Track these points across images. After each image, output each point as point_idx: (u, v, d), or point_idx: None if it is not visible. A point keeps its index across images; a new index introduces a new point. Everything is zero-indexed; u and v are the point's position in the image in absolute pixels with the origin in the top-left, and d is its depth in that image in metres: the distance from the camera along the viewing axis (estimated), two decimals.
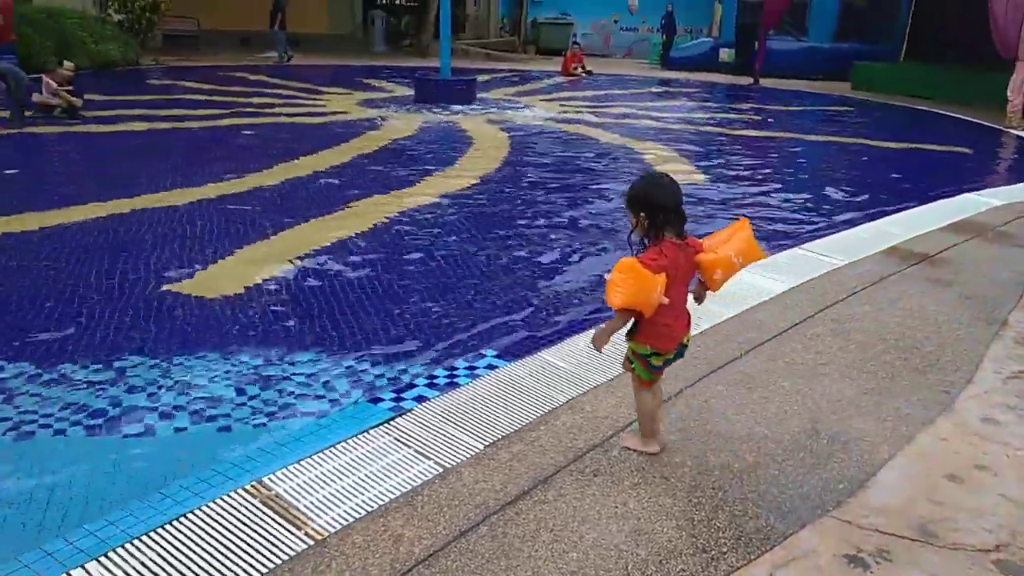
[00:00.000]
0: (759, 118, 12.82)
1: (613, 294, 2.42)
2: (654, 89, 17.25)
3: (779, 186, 7.65)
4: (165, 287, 4.29)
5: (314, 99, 12.72)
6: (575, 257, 5.18)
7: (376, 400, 3.15)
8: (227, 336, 3.72)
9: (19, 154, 8.05)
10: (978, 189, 7.44)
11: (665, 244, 2.49)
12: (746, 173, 8.28)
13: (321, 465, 2.64)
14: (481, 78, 15.49)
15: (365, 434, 2.85)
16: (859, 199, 7.21)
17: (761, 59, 18.20)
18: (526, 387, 3.26)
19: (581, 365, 3.45)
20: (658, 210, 2.47)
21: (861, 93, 16.99)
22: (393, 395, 3.19)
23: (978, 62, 15.63)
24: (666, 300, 2.44)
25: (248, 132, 9.53)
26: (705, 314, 4.07)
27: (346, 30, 24.53)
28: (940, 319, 4.14)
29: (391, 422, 2.94)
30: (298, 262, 4.78)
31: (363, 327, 3.90)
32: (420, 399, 3.15)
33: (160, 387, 3.19)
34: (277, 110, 11.24)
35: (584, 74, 18.88)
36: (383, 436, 2.84)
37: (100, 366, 3.36)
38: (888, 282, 4.74)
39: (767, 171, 8.56)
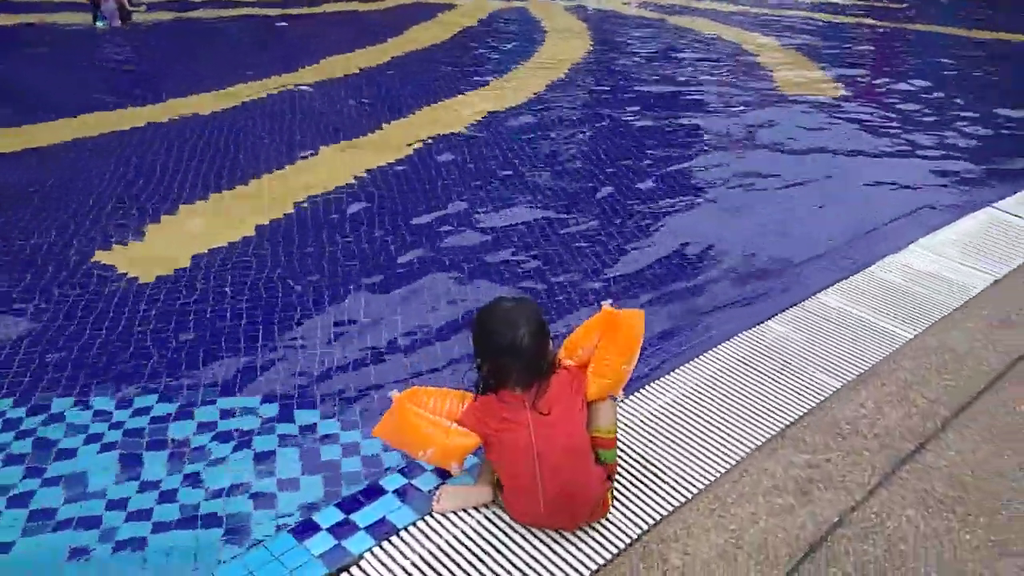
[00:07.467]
0: (905, 5, 10.30)
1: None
2: None
3: (939, 105, 5.70)
4: None
5: None
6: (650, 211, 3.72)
7: None
8: None
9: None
10: None
11: (498, 400, 1.85)
12: (892, 83, 6.36)
13: None
14: None
15: None
16: None
17: None
18: None
19: None
20: (492, 353, 1.86)
21: None
22: None
23: None
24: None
25: (282, 24, 8.09)
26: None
27: None
28: None
29: None
30: None
31: None
32: None
33: None
34: None
35: None
36: None
37: None
38: None
39: (921, 82, 6.39)
